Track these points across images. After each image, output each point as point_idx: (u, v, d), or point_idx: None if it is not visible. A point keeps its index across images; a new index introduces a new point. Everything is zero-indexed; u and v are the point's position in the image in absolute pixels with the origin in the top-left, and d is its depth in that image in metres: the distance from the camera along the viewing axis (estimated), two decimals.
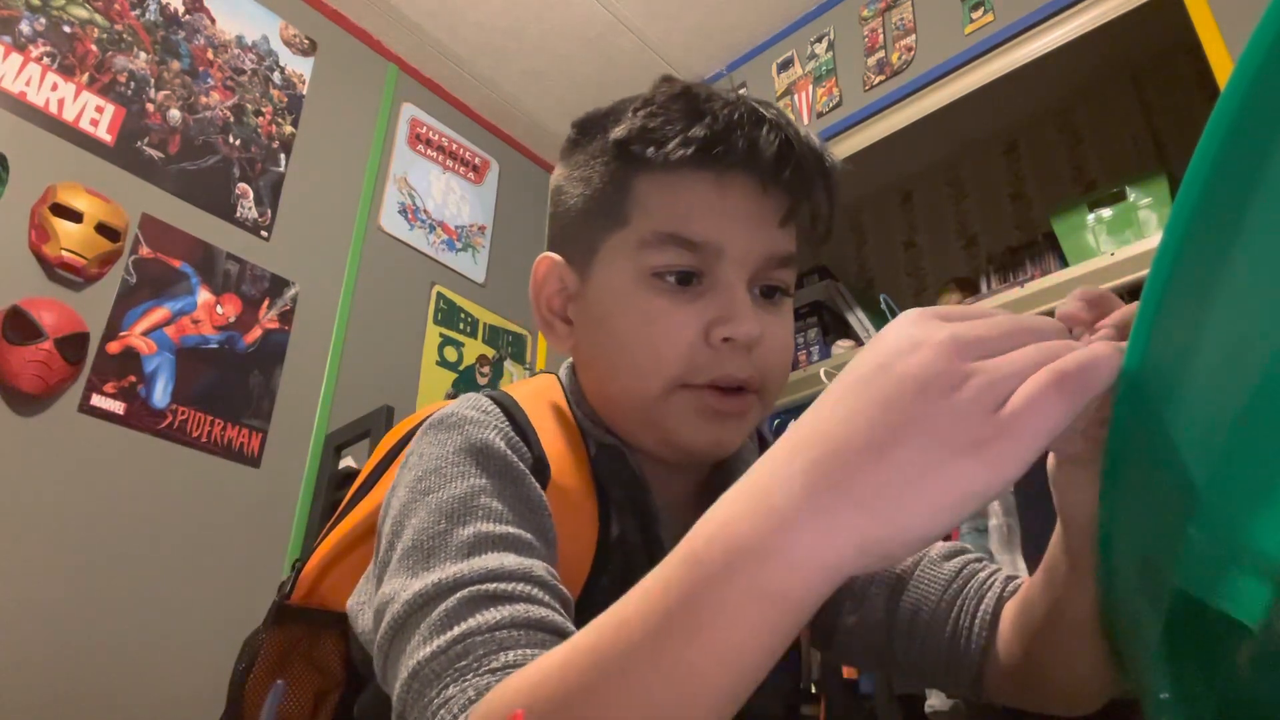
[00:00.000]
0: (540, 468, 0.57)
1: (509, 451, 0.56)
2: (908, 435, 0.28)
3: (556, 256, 0.66)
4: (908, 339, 0.30)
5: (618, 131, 0.60)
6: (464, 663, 0.43)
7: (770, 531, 0.30)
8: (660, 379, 0.58)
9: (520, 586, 0.47)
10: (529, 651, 0.43)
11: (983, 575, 0.62)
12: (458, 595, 0.46)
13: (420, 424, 0.61)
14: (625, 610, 0.35)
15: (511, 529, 0.51)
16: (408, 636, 0.46)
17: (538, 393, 0.65)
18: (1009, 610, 0.58)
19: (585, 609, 0.50)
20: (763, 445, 0.69)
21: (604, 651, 0.34)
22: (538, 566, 0.49)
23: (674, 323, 0.58)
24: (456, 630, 0.44)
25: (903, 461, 0.28)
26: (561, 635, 0.46)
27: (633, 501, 0.59)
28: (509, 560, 0.48)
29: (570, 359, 0.69)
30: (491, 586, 0.46)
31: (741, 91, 0.63)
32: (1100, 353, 0.29)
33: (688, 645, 0.32)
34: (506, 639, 0.43)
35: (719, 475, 0.65)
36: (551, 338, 0.66)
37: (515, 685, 0.38)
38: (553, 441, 0.60)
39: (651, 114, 0.59)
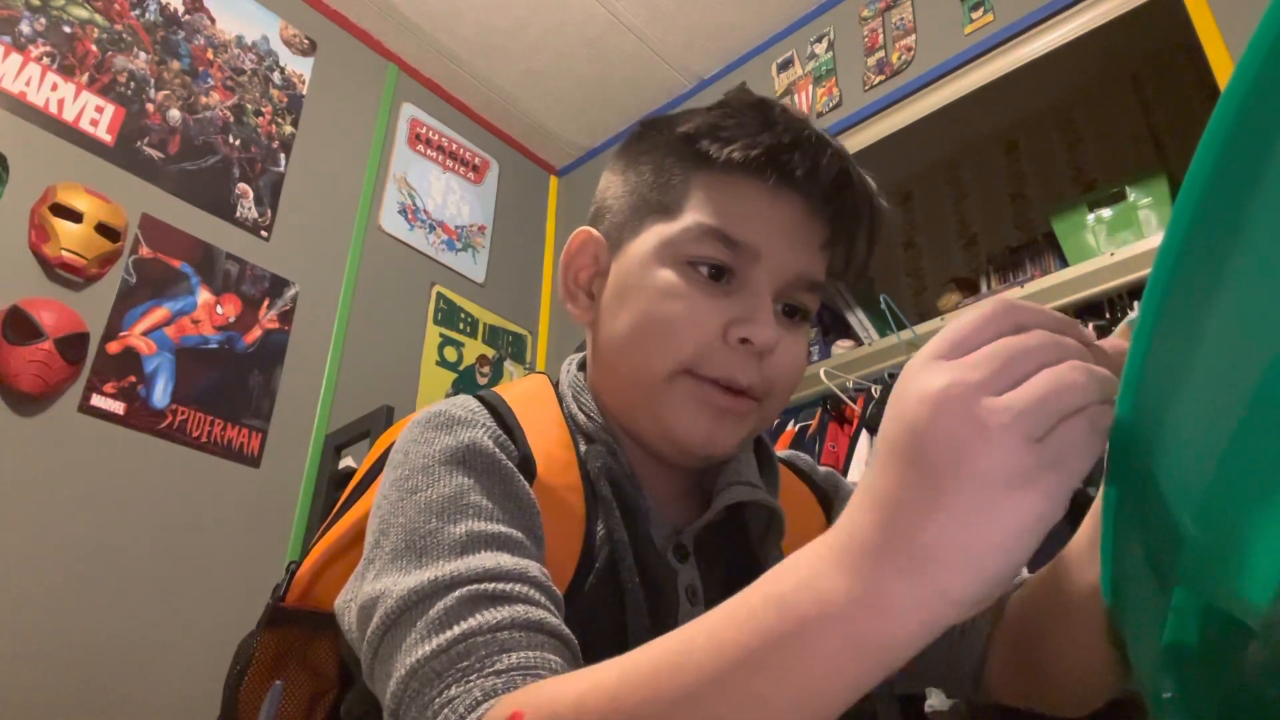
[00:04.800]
0: (526, 466, 0.57)
1: (497, 450, 0.56)
2: (955, 485, 0.29)
3: (594, 231, 0.67)
4: (918, 395, 0.31)
5: (687, 126, 0.62)
6: (466, 663, 0.42)
7: (862, 590, 0.31)
8: (669, 360, 0.59)
9: (518, 587, 0.47)
10: (532, 654, 0.43)
11: None
12: (456, 594, 0.46)
13: None
14: (692, 639, 0.35)
15: (503, 527, 0.51)
16: (402, 633, 0.46)
17: (527, 392, 0.65)
18: (1015, 602, 0.58)
19: (571, 606, 0.50)
20: (759, 448, 0.69)
21: (668, 674, 0.35)
22: (532, 567, 0.49)
23: (697, 309, 0.58)
24: (457, 629, 0.44)
25: (959, 513, 0.29)
26: (558, 638, 0.46)
27: (622, 499, 0.60)
28: (505, 560, 0.48)
29: (573, 356, 0.69)
30: (490, 586, 0.46)
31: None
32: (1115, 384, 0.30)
33: (766, 685, 0.32)
34: (508, 640, 0.43)
35: (710, 475, 0.65)
36: (572, 308, 0.67)
37: (552, 696, 0.38)
38: (540, 440, 0.60)
39: (724, 115, 0.61)
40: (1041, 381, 0.30)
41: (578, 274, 0.67)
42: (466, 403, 0.60)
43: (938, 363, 0.32)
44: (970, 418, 0.29)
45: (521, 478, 0.56)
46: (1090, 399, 0.30)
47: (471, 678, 0.42)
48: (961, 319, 0.33)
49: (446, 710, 0.41)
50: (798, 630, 0.32)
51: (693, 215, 0.60)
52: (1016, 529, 0.29)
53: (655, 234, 0.61)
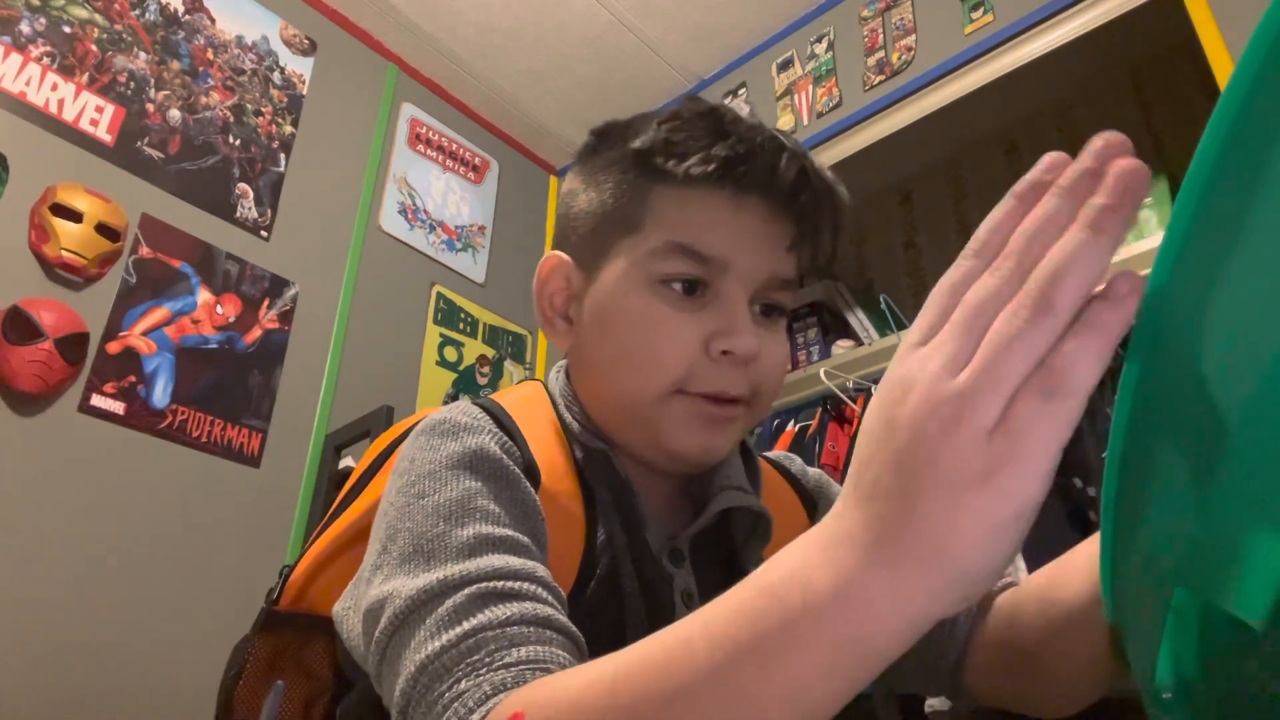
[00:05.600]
0: (530, 472, 0.58)
1: (504, 456, 0.56)
2: (925, 485, 0.28)
3: (564, 255, 0.67)
4: (898, 384, 0.30)
5: (640, 142, 0.62)
6: (476, 657, 0.43)
7: (845, 583, 0.30)
8: (658, 383, 0.59)
9: (526, 585, 0.47)
10: (541, 649, 0.43)
11: None
12: (465, 591, 0.46)
13: (409, 430, 0.61)
14: (686, 632, 0.35)
15: (510, 532, 0.51)
16: (411, 632, 0.46)
17: (524, 399, 0.66)
18: (1007, 604, 0.58)
19: (572, 611, 0.51)
20: (742, 450, 0.70)
21: (661, 668, 0.34)
22: (539, 568, 0.49)
23: (676, 330, 0.59)
24: (466, 625, 0.44)
25: (931, 510, 0.28)
26: (566, 635, 0.46)
27: (619, 505, 0.60)
28: (513, 561, 0.48)
29: (561, 364, 0.70)
30: (499, 584, 0.46)
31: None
32: (1077, 352, 0.27)
33: (754, 677, 0.32)
34: (518, 635, 0.44)
35: (699, 481, 0.65)
36: (551, 334, 0.67)
37: (552, 693, 0.38)
38: (540, 447, 0.60)
39: (676, 128, 0.61)
40: (986, 348, 0.28)
41: (552, 299, 0.67)
42: (469, 409, 0.60)
43: (910, 349, 0.31)
44: (932, 413, 0.28)
45: (527, 483, 0.56)
46: (1037, 341, 0.27)
47: (481, 672, 0.42)
48: (936, 288, 0.31)
49: (456, 704, 0.41)
50: (784, 624, 0.31)
51: (658, 234, 0.60)
52: (990, 528, 0.28)
53: (624, 256, 0.62)
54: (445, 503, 0.52)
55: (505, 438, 0.58)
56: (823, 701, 0.32)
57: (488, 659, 0.42)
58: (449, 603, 0.45)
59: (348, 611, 0.56)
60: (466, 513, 0.51)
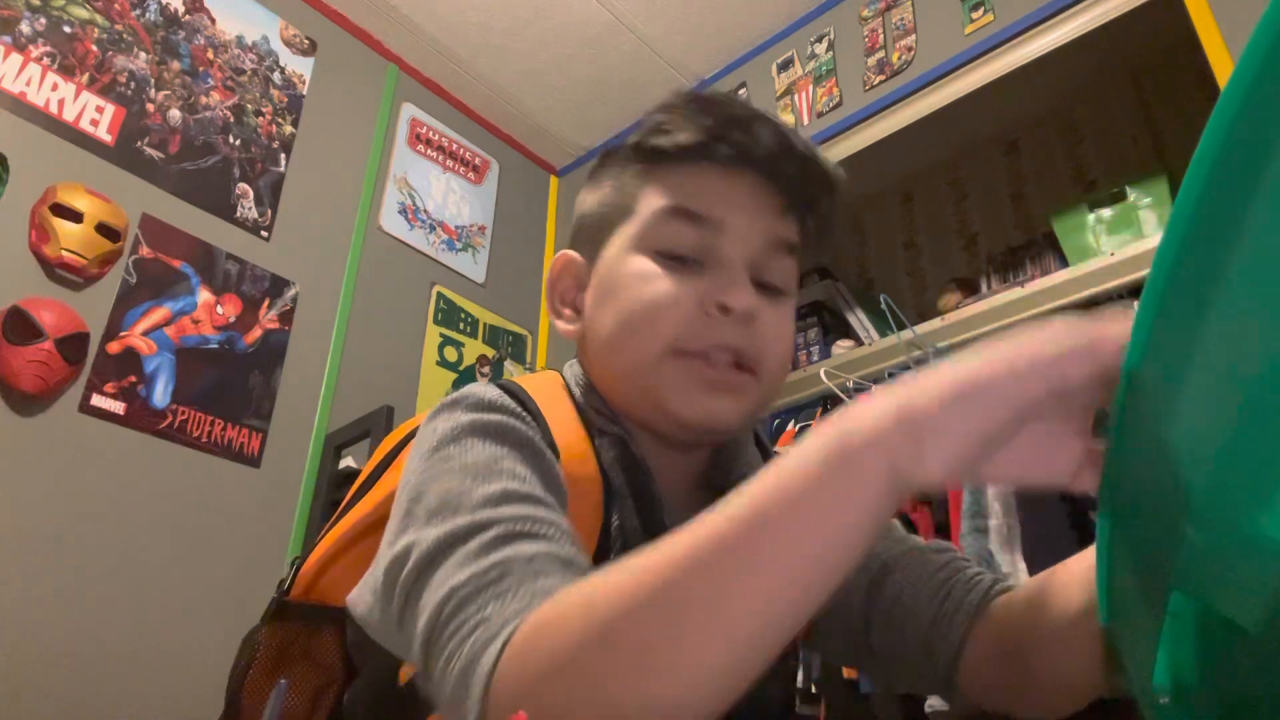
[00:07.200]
0: (552, 451, 0.58)
1: (527, 429, 0.56)
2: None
3: (574, 253, 0.71)
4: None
5: (635, 135, 0.66)
6: (504, 584, 0.43)
7: (914, 438, 0.35)
8: (656, 342, 0.60)
9: (553, 531, 0.47)
10: (567, 580, 0.43)
11: (970, 572, 0.62)
12: (492, 532, 0.46)
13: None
14: (713, 513, 0.39)
15: (537, 490, 0.51)
16: (437, 569, 0.45)
17: (542, 384, 0.66)
18: (1000, 604, 0.58)
19: None
20: (759, 447, 0.70)
21: (694, 536, 0.39)
22: (564, 521, 0.49)
23: (673, 291, 0.61)
24: (494, 557, 0.44)
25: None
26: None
27: (636, 489, 0.61)
28: (538, 511, 0.48)
29: (572, 360, 0.70)
30: (525, 527, 0.46)
31: (743, 93, 0.66)
32: None
33: (808, 526, 0.36)
34: (544, 568, 0.44)
35: (719, 467, 0.66)
36: (560, 324, 0.70)
37: (588, 583, 0.40)
38: (560, 429, 0.61)
39: (663, 110, 0.65)
40: None
41: (563, 294, 0.70)
42: (489, 388, 0.60)
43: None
44: None
45: (552, 457, 0.56)
46: None
47: (507, 599, 0.42)
48: None
49: (480, 629, 0.41)
50: (848, 469, 0.36)
51: (653, 204, 0.64)
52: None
53: (623, 236, 0.65)
54: (472, 463, 0.51)
55: (528, 415, 0.58)
56: (855, 545, 0.37)
57: (515, 585, 0.42)
58: (476, 540, 0.45)
59: (363, 593, 0.56)
60: (493, 472, 0.51)
